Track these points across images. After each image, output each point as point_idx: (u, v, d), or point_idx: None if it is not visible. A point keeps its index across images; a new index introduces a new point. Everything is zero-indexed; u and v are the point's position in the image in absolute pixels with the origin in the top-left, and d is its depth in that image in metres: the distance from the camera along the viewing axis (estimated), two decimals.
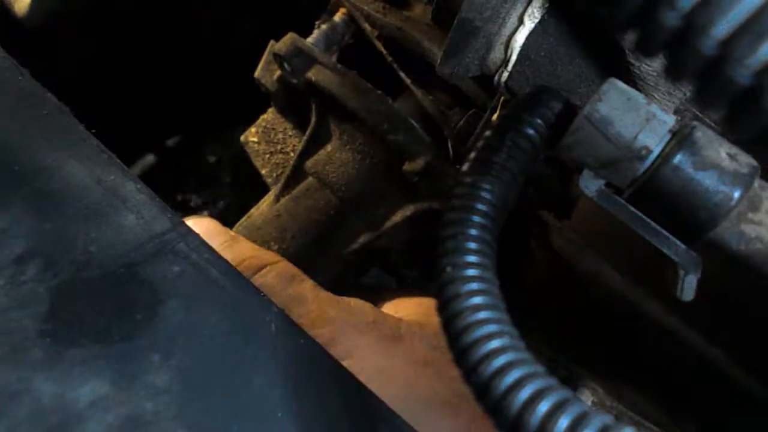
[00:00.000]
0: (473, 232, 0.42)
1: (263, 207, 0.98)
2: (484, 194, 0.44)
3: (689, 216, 0.43)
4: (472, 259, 0.41)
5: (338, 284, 0.95)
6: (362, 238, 0.94)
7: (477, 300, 0.38)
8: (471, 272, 0.40)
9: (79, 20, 0.99)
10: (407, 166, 0.87)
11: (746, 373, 0.73)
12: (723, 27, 0.26)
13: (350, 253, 0.94)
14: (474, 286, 0.39)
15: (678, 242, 0.45)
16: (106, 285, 0.49)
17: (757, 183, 0.43)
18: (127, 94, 1.20)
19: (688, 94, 0.54)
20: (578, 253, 0.76)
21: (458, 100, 0.89)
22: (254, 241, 0.93)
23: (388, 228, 0.93)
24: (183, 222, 0.54)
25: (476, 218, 0.43)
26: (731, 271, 0.44)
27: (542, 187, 0.76)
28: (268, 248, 0.93)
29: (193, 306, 0.50)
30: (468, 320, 0.37)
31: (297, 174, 0.97)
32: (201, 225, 0.74)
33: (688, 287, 0.45)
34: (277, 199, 0.97)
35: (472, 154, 0.47)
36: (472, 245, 0.41)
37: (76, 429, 0.41)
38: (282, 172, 1.01)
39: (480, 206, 0.43)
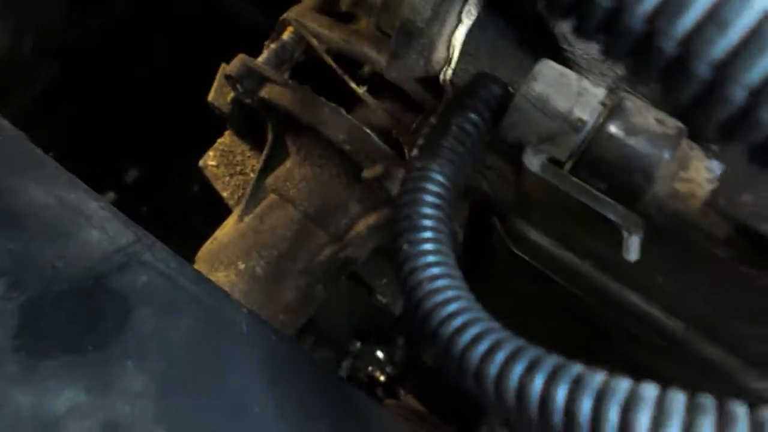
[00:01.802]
0: (426, 210, 0.44)
1: (227, 228, 0.99)
2: (433, 175, 0.46)
3: (626, 179, 0.46)
4: (426, 235, 0.43)
5: (309, 298, 0.96)
6: (328, 250, 0.95)
7: (434, 270, 0.40)
8: (426, 246, 0.42)
9: (30, 56, 1.00)
10: (366, 173, 0.89)
11: (709, 343, 0.75)
12: (648, 4, 0.29)
13: (317, 266, 0.95)
14: (430, 258, 0.41)
15: (618, 205, 0.47)
16: (76, 297, 0.50)
17: (685, 143, 0.46)
18: (80, 131, 1.21)
19: (619, 73, 0.58)
20: (532, 247, 0.79)
21: (409, 106, 0.91)
22: (221, 262, 0.94)
23: (353, 238, 0.94)
24: (148, 234, 0.55)
25: (428, 197, 0.45)
26: (673, 227, 0.47)
27: (496, 180, 0.79)
28: (235, 267, 0.94)
29: (163, 312, 0.51)
30: (426, 290, 0.39)
31: (258, 192, 0.98)
32: None
33: (633, 247, 0.47)
34: (241, 218, 0.97)
35: (420, 141, 0.49)
36: (426, 222, 0.44)
37: None
38: (243, 193, 1.03)
39: (431, 186, 0.46)
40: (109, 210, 0.54)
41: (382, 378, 1.22)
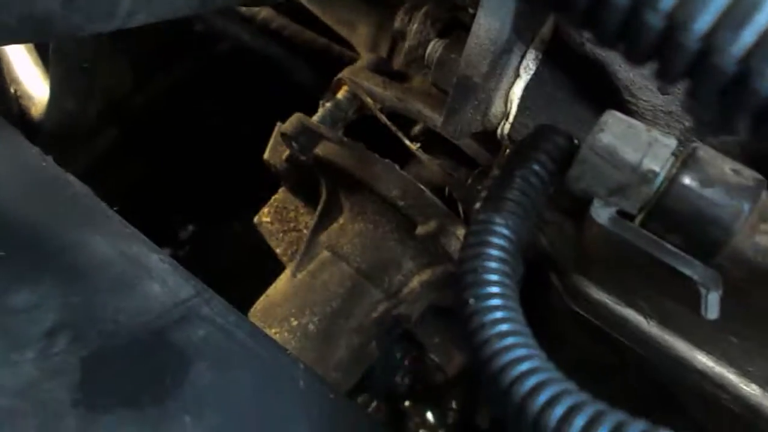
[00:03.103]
0: (492, 264, 0.43)
1: (280, 284, 0.98)
2: (498, 228, 0.45)
3: (702, 233, 0.44)
4: (493, 290, 0.42)
5: (361, 356, 0.94)
6: (381, 307, 0.94)
7: (503, 327, 0.39)
8: (494, 302, 0.41)
9: (93, 120, 1.04)
10: (420, 230, 0.88)
11: None
12: (704, 20, 0.28)
13: (370, 324, 0.94)
14: (498, 314, 0.40)
15: (695, 260, 0.45)
16: (135, 352, 0.49)
17: (765, 195, 0.44)
18: (140, 189, 1.24)
19: (687, 124, 0.56)
20: (593, 305, 0.76)
21: (463, 162, 0.91)
22: (274, 319, 0.94)
23: (406, 294, 0.93)
24: (207, 288, 0.55)
25: (493, 251, 0.44)
26: (754, 283, 0.44)
27: (554, 235, 0.77)
28: (288, 324, 0.93)
29: (220, 367, 0.50)
30: (495, 348, 0.38)
31: (311, 249, 0.98)
32: None
33: (712, 305, 0.45)
34: (294, 275, 0.97)
35: (484, 193, 0.48)
36: (493, 277, 0.42)
37: None
38: (297, 249, 1.03)
39: (496, 240, 0.44)
40: (169, 263, 0.55)
41: None
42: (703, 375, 0.73)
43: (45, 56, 1.02)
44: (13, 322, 0.49)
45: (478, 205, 0.48)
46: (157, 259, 0.55)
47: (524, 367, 0.37)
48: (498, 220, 0.46)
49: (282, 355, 0.52)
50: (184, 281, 0.54)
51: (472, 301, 0.41)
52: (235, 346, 0.52)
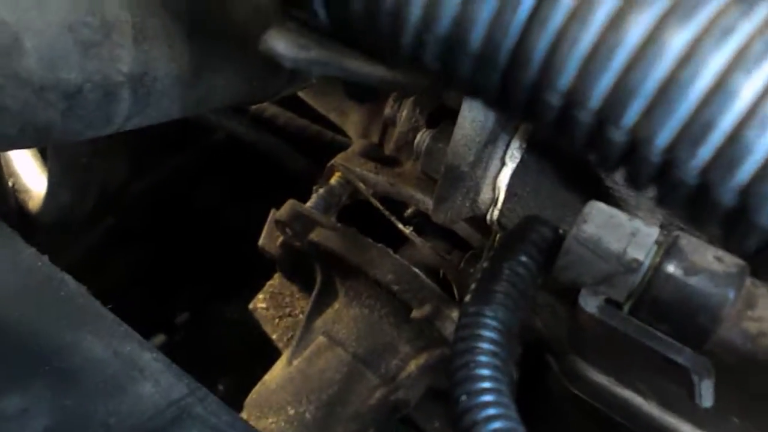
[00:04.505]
0: (483, 359, 0.43)
1: (276, 371, 0.98)
2: (488, 321, 0.45)
3: (689, 321, 0.44)
4: (485, 385, 0.42)
5: None
6: (379, 393, 0.93)
7: (495, 425, 0.39)
8: (486, 398, 0.41)
9: (90, 213, 1.05)
10: (415, 313, 0.88)
11: None
12: (664, 137, 0.29)
13: (368, 410, 0.93)
14: (491, 411, 0.40)
15: (685, 348, 0.45)
16: None
17: (749, 281, 0.45)
18: (136, 276, 1.24)
19: (669, 211, 0.57)
20: (591, 386, 0.76)
21: (456, 244, 0.92)
22: (270, 407, 0.93)
23: (404, 379, 0.92)
24: (200, 386, 0.55)
25: (484, 345, 0.44)
26: (746, 369, 0.44)
27: (549, 318, 0.77)
28: (285, 413, 0.92)
29: None
30: None
31: (307, 335, 0.97)
32: None
33: (706, 392, 0.45)
34: (290, 362, 0.97)
35: (473, 286, 0.49)
36: (484, 372, 0.42)
37: None
38: (293, 335, 1.02)
39: (486, 333, 0.45)
40: (162, 362, 0.55)
41: None
42: None
43: (43, 151, 1.05)
44: (3, 428, 0.49)
45: (467, 298, 0.49)
46: (150, 358, 0.55)
47: None
48: (488, 312, 0.46)
49: None
50: (176, 380, 0.54)
51: (464, 398, 0.41)
52: None
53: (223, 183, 1.19)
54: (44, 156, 1.04)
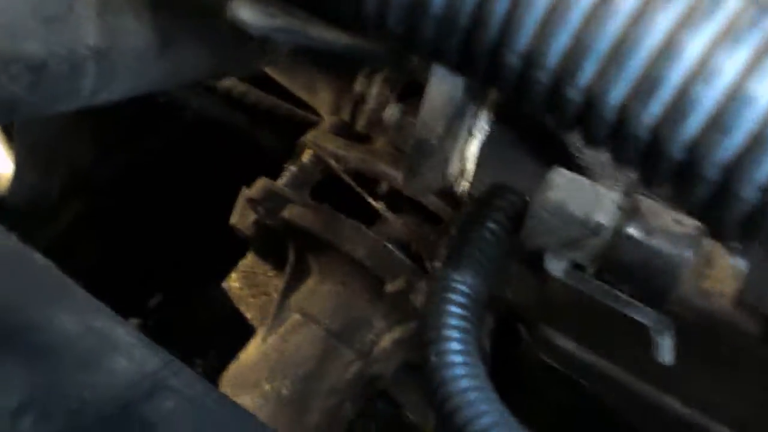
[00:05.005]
0: (452, 321, 0.44)
1: (251, 349, 0.98)
2: (457, 285, 0.46)
3: (650, 281, 0.46)
4: (454, 346, 0.43)
5: (336, 418, 0.94)
6: (354, 368, 0.94)
7: (464, 383, 0.40)
8: (455, 358, 0.42)
9: (57, 193, 1.04)
10: (389, 287, 0.89)
11: None
12: (617, 94, 0.30)
13: (344, 385, 0.94)
14: (459, 371, 0.41)
15: (647, 308, 0.47)
16: (103, 428, 0.49)
17: (707, 242, 0.46)
18: (106, 259, 1.23)
19: (632, 176, 0.59)
20: (561, 354, 0.77)
21: (427, 218, 0.93)
22: (246, 384, 0.93)
23: (379, 353, 0.93)
24: (174, 359, 0.55)
25: (453, 308, 0.45)
26: (703, 327, 0.46)
27: (519, 287, 0.79)
28: (261, 389, 0.92)
29: None
30: (457, 402, 0.39)
31: (281, 312, 0.98)
32: None
33: (666, 349, 0.46)
34: (265, 339, 0.97)
35: (442, 253, 0.50)
36: (453, 333, 0.43)
37: None
38: (267, 313, 1.03)
39: (455, 297, 0.46)
40: (135, 336, 0.55)
41: None
42: (670, 417, 0.74)
43: (9, 132, 1.03)
44: None
45: (437, 264, 0.50)
46: (123, 332, 0.55)
47: (486, 420, 0.38)
48: (456, 277, 0.47)
49: (253, 424, 0.52)
50: (151, 353, 0.54)
51: (433, 358, 0.42)
52: (204, 416, 0.52)
53: (193, 162, 1.19)
54: (11, 137, 1.03)
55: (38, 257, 0.59)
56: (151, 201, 1.21)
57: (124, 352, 0.54)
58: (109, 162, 1.12)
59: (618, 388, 0.77)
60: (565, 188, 0.48)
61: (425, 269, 0.91)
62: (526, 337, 0.83)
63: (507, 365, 0.86)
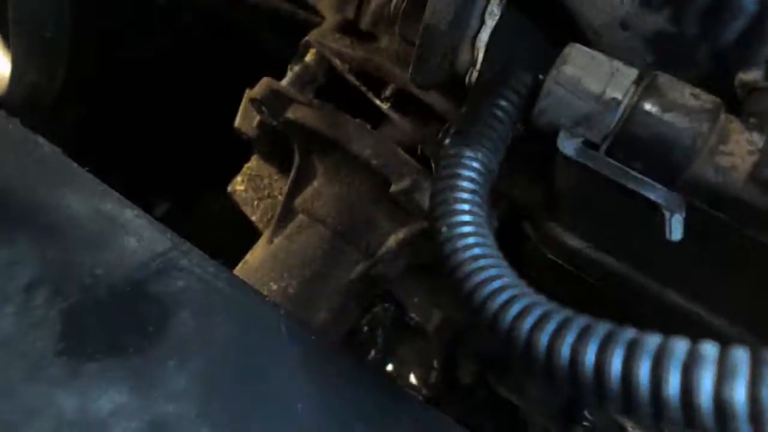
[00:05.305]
0: (463, 195, 0.44)
1: (258, 250, 0.99)
2: (467, 161, 0.46)
3: (664, 157, 0.45)
4: (465, 218, 0.43)
5: (342, 317, 0.95)
6: (359, 267, 0.95)
7: (475, 251, 0.40)
8: (465, 229, 0.42)
9: (58, 93, 1.03)
10: (394, 188, 0.89)
11: (758, 342, 0.73)
12: None
13: (349, 284, 0.95)
14: (470, 240, 0.41)
15: (659, 185, 0.47)
16: (116, 303, 0.50)
17: (723, 117, 0.46)
18: (111, 167, 1.23)
19: (648, 60, 0.57)
20: (567, 251, 0.78)
21: (433, 120, 0.92)
22: (253, 284, 0.94)
23: (384, 254, 0.94)
24: (184, 241, 0.56)
25: (464, 183, 0.45)
26: (715, 206, 0.46)
27: (526, 184, 0.79)
28: (268, 288, 0.94)
29: (202, 315, 0.51)
30: (468, 269, 0.39)
31: (287, 214, 0.98)
32: None
33: (676, 227, 0.46)
34: (271, 240, 0.98)
35: (452, 130, 0.49)
36: (464, 206, 0.43)
37: None
38: (272, 216, 1.03)
39: (465, 172, 0.45)
40: (144, 218, 0.55)
41: None
42: (674, 313, 0.76)
43: (5, 33, 1.01)
44: None
45: (448, 141, 0.49)
46: (132, 215, 0.55)
47: (496, 284, 0.38)
48: (468, 153, 0.46)
49: (262, 302, 0.53)
50: (160, 235, 0.54)
51: (444, 229, 0.42)
52: (215, 294, 0.53)
53: (195, 64, 1.16)
54: (7, 38, 1.00)
55: (43, 142, 0.59)
56: (155, 106, 1.19)
57: (134, 233, 0.54)
58: (110, 63, 1.10)
59: (623, 284, 0.77)
60: (581, 63, 0.47)
61: (430, 170, 0.90)
62: (532, 235, 0.84)
63: (513, 264, 0.87)
